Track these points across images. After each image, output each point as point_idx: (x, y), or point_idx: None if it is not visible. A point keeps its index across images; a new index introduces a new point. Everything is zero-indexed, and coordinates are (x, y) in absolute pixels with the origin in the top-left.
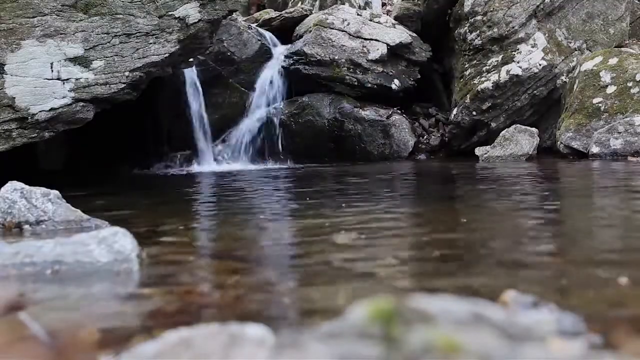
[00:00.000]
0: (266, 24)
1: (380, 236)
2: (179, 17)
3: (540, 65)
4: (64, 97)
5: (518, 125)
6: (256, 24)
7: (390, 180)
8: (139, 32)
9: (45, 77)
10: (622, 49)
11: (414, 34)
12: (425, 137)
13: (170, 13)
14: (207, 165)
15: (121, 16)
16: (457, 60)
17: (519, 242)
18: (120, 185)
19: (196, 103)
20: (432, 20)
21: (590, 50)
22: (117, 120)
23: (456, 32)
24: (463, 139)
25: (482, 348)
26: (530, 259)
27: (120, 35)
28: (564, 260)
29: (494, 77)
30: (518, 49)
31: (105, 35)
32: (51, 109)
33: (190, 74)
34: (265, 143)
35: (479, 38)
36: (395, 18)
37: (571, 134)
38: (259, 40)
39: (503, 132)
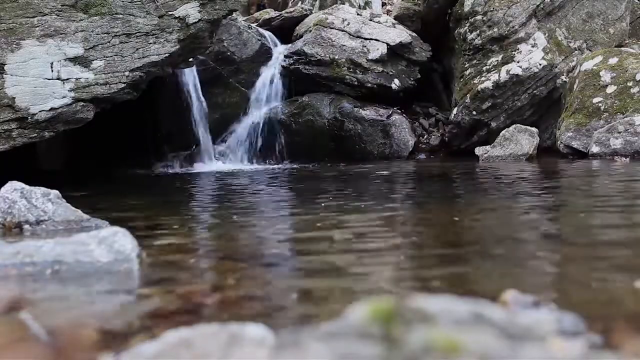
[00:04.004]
0: (266, 24)
1: (381, 236)
2: (179, 16)
3: (540, 64)
4: (64, 97)
5: (518, 124)
6: (256, 24)
7: (391, 180)
8: (139, 32)
9: (45, 77)
10: (622, 48)
11: (414, 34)
12: (425, 136)
13: (170, 13)
14: (207, 165)
15: (121, 16)
16: (457, 60)
17: (519, 242)
18: (120, 185)
19: (196, 103)
20: (432, 20)
21: (590, 50)
22: (117, 120)
23: (456, 31)
24: (463, 139)
25: (482, 348)
26: (531, 258)
27: (120, 35)
28: (564, 260)
29: (494, 76)
30: (518, 49)
31: (105, 35)
32: (51, 109)
33: (190, 74)
34: (265, 143)
35: (479, 38)
36: (395, 18)
37: (571, 133)
38: (259, 40)
39: (503, 131)
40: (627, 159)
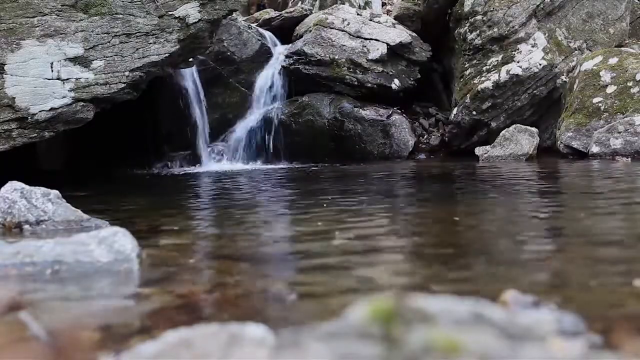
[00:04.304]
0: (266, 24)
1: (381, 236)
2: (179, 17)
3: (540, 64)
4: (64, 97)
5: (518, 124)
6: (256, 24)
7: (391, 180)
8: (139, 32)
9: (45, 77)
10: (622, 48)
11: (414, 34)
12: (425, 136)
13: (170, 13)
14: (207, 165)
15: (121, 16)
16: (457, 60)
17: (518, 242)
18: (120, 185)
19: (196, 103)
20: (432, 20)
21: (590, 50)
22: (117, 120)
23: (456, 31)
24: (463, 139)
25: (482, 348)
26: (531, 258)
27: (120, 35)
28: (564, 260)
29: (494, 76)
30: (518, 49)
31: (105, 35)
32: (51, 109)
33: (190, 74)
34: (265, 143)
35: (479, 38)
36: (395, 18)
37: (571, 133)
38: (259, 40)
39: (503, 131)
40: (629, 159)
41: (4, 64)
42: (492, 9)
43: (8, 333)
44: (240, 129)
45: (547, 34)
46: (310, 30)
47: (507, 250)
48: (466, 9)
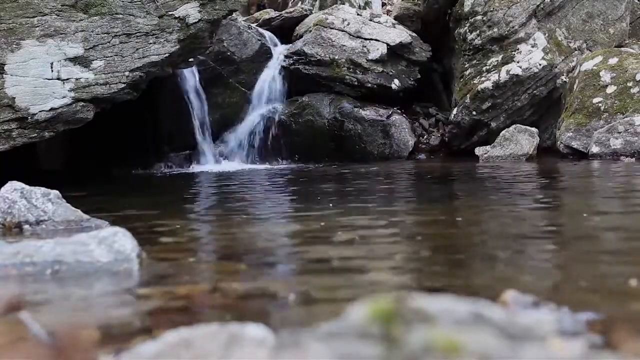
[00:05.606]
0: (266, 24)
1: (383, 236)
2: (179, 17)
3: (540, 65)
4: (64, 97)
5: (518, 125)
6: (256, 24)
7: (392, 180)
8: (139, 32)
9: (45, 77)
10: (622, 48)
11: (414, 34)
12: (425, 137)
13: (170, 13)
14: (207, 165)
15: (121, 16)
16: (457, 60)
17: (519, 242)
18: (120, 185)
19: (196, 103)
20: (432, 20)
21: (590, 50)
22: (117, 120)
23: (456, 32)
24: (463, 139)
25: (482, 348)
26: (531, 258)
27: (120, 35)
28: (564, 260)
29: (494, 76)
30: (518, 49)
31: (105, 35)
32: (51, 109)
33: (191, 74)
34: (265, 143)
35: (479, 38)
36: (395, 18)
37: (571, 133)
38: (259, 40)
39: (503, 132)
40: (633, 159)
41: (4, 64)
42: (492, 9)
43: (8, 333)
44: (241, 129)
45: (547, 34)
46: (310, 31)
47: (508, 250)
48: (466, 9)
